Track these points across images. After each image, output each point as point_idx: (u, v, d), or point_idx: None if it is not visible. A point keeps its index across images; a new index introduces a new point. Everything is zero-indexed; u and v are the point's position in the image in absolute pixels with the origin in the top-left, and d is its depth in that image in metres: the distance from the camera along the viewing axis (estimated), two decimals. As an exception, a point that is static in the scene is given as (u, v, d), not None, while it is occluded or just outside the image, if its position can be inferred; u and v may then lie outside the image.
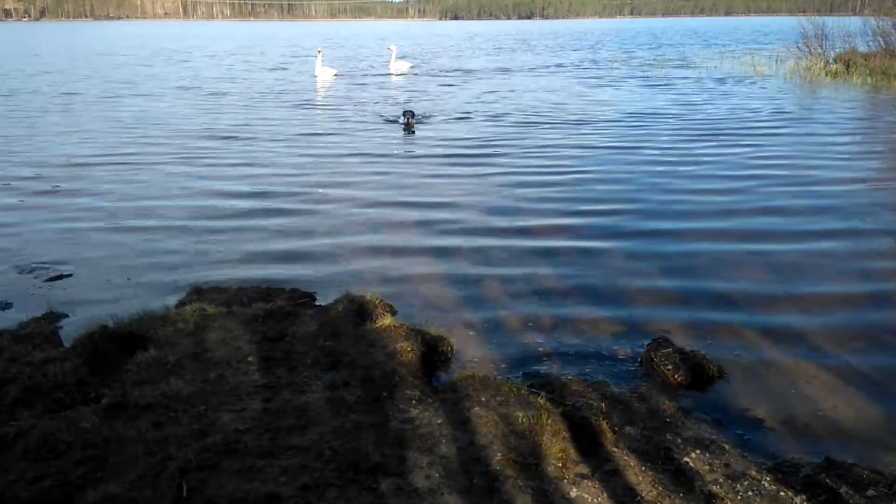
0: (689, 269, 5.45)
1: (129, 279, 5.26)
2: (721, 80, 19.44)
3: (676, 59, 28.03)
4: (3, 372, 3.65)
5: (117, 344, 3.91)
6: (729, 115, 13.17)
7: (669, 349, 3.93)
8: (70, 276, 5.33)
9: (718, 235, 6.23)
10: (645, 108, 14.25)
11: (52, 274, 5.34)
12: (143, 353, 3.81)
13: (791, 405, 3.55)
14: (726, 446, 3.12)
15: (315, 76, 21.46)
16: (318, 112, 14.38)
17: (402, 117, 12.02)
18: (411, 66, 24.92)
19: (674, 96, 16.11)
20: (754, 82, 18.85)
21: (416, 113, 12.18)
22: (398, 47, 26.97)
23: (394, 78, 21.76)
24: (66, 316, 4.57)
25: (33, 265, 5.52)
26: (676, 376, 3.76)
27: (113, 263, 5.58)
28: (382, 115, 13.33)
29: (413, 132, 11.63)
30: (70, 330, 4.30)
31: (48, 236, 6.28)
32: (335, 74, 21.82)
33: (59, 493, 2.71)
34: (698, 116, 13.04)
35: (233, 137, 11.13)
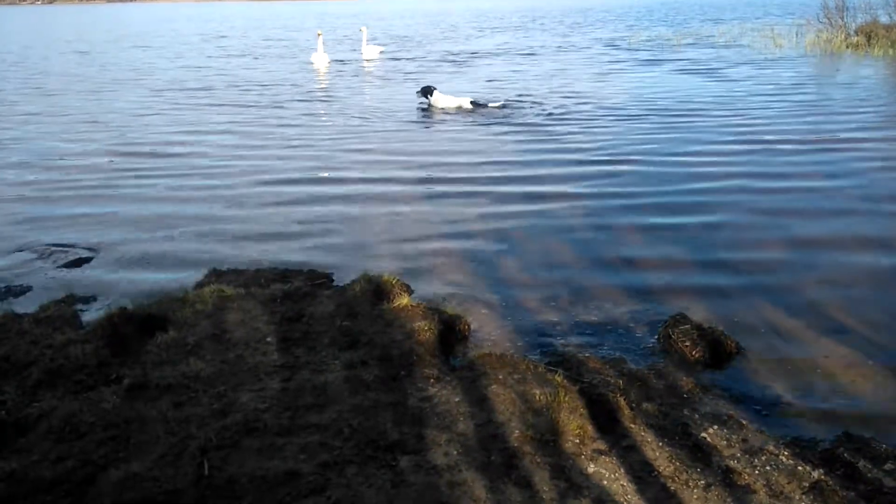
0: (708, 244, 5.39)
1: (150, 261, 5.31)
2: (763, 62, 17.25)
3: (706, 35, 26.52)
4: (26, 354, 3.70)
5: (137, 326, 3.95)
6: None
7: (687, 325, 3.91)
8: (90, 258, 5.38)
9: (738, 210, 6.15)
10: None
11: (72, 257, 5.40)
12: (163, 334, 3.84)
13: (810, 381, 3.52)
14: (744, 422, 3.10)
15: (311, 62, 20.09)
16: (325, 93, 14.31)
17: (419, 92, 11.96)
18: (381, 51, 22.55)
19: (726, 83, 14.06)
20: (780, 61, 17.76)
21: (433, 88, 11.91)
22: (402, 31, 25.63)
23: (367, 63, 20.29)
24: (87, 298, 4.63)
25: (53, 249, 5.58)
26: (694, 353, 3.74)
27: (132, 246, 5.63)
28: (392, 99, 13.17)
29: (430, 105, 11.66)
30: (90, 312, 4.36)
31: (69, 219, 6.35)
32: (328, 60, 20.19)
33: (81, 473, 2.75)
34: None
35: (237, 132, 10.96)
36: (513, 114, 11.15)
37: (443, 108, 11.41)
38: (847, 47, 19.25)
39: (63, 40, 33.61)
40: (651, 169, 7.54)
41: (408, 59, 21.22)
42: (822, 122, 9.91)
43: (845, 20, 21.15)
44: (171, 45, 28.81)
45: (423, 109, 11.69)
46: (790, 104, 11.35)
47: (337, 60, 20.53)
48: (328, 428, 3.01)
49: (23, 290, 4.83)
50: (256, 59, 22.23)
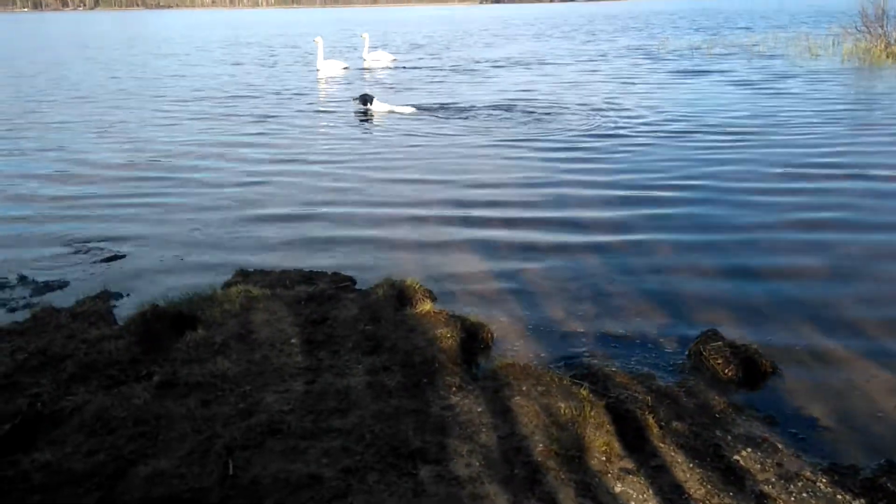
0: (741, 259, 5.28)
1: (181, 260, 5.41)
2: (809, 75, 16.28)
3: (740, 44, 25.86)
4: (62, 348, 3.79)
5: (168, 323, 4.02)
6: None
7: (720, 342, 3.82)
8: (124, 256, 5.49)
9: (773, 225, 6.02)
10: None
11: (108, 254, 5.52)
12: (192, 332, 3.90)
13: (849, 404, 3.41)
14: (779, 445, 3.01)
15: (317, 69, 19.75)
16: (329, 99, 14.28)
17: (358, 101, 12.26)
18: (394, 60, 22.02)
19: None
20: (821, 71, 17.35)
21: (373, 97, 12.26)
22: (425, 36, 24.93)
23: (376, 70, 19.95)
24: (121, 295, 4.72)
25: (90, 245, 5.71)
26: (727, 371, 3.65)
27: (165, 245, 5.74)
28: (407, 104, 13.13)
29: (370, 116, 11.85)
30: (124, 308, 4.44)
31: (106, 218, 6.50)
32: (345, 68, 19.91)
33: (112, 467, 2.80)
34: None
35: (266, 132, 11.05)
36: (545, 128, 10.63)
37: (382, 113, 12.06)
38: (888, 57, 18.67)
39: (93, 47, 34.41)
40: (694, 195, 6.98)
41: (428, 67, 20.98)
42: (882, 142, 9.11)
43: (885, 28, 20.56)
44: (195, 52, 29.19)
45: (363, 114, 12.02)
46: (847, 124, 10.39)
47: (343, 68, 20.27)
48: (350, 433, 3.01)
49: (61, 285, 4.94)
50: (271, 67, 22.08)
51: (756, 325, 4.24)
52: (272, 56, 26.32)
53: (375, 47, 23.96)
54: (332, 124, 11.45)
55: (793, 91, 13.90)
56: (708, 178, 7.52)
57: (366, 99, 12.18)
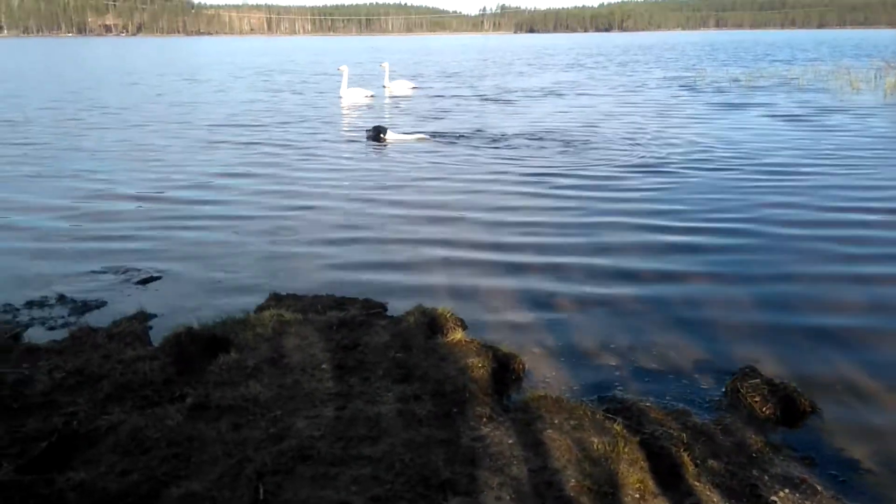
0: (780, 294, 5.19)
1: (216, 282, 5.49)
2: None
3: (779, 77, 25.71)
4: (98, 368, 3.85)
5: (201, 345, 4.07)
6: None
7: (757, 380, 3.75)
8: (160, 277, 5.59)
9: (812, 258, 5.92)
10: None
11: (144, 275, 5.62)
12: (225, 355, 3.93)
13: (891, 445, 3.31)
14: (819, 487, 2.93)
15: (340, 97, 19.98)
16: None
17: (371, 131, 12.32)
18: (413, 87, 22.79)
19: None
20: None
21: (386, 129, 12.34)
22: (482, 59, 25.62)
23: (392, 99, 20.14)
24: (155, 316, 4.79)
25: (127, 266, 5.82)
26: (765, 409, 3.58)
27: (200, 268, 5.83)
28: (441, 134, 13.23)
29: (385, 146, 11.89)
30: (158, 329, 4.50)
31: (142, 240, 6.64)
32: (369, 95, 20.10)
33: (146, 487, 2.81)
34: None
35: (299, 160, 11.15)
36: (580, 160, 10.37)
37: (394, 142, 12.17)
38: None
39: (132, 72, 35.10)
40: (735, 234, 6.69)
41: (459, 95, 21.14)
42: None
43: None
44: (230, 79, 29.67)
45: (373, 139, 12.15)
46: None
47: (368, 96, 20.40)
48: (380, 461, 3.00)
49: (98, 305, 5.04)
50: (300, 94, 22.35)
51: (794, 362, 4.15)
52: (303, 83, 26.81)
53: (396, 75, 24.83)
54: (360, 154, 11.55)
55: (839, 126, 13.58)
56: (751, 216, 7.23)
57: (379, 130, 12.30)
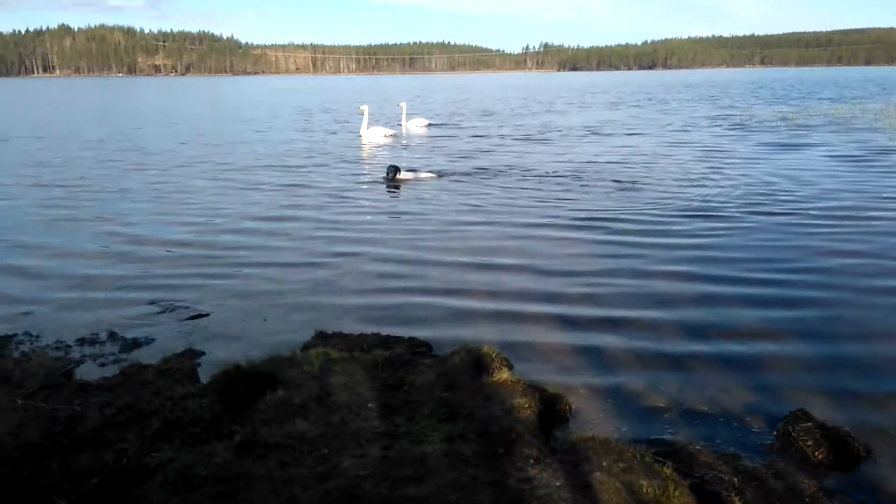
0: (831, 335, 5.06)
1: (263, 320, 5.58)
2: None
3: (827, 115, 24.56)
4: (148, 404, 3.94)
5: (248, 383, 4.12)
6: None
7: (809, 423, 3.65)
8: (208, 315, 5.71)
9: (864, 299, 5.75)
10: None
11: (192, 313, 5.75)
12: (272, 393, 3.99)
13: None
14: (877, 536, 2.81)
15: (360, 136, 20.21)
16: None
17: (388, 172, 12.33)
18: (428, 125, 23.69)
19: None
20: None
21: (399, 168, 12.33)
22: (518, 97, 26.05)
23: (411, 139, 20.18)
24: (203, 353, 4.89)
25: (176, 304, 5.97)
26: (817, 453, 3.48)
27: (247, 306, 5.93)
28: (481, 168, 13.18)
29: (397, 186, 11.89)
30: (206, 367, 4.59)
31: (190, 277, 6.79)
32: (389, 134, 20.35)
33: (194, 525, 2.85)
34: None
35: (344, 198, 11.18)
36: (630, 206, 9.80)
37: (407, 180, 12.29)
38: None
39: (178, 112, 36.07)
40: (800, 293, 6.14)
41: (500, 135, 20.93)
42: None
43: None
44: (269, 118, 30.08)
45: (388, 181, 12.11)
46: None
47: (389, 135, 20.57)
48: (426, 501, 2.99)
49: (147, 342, 5.17)
50: (334, 133, 22.52)
51: (847, 406, 4.04)
52: (339, 122, 27.15)
53: (415, 114, 26.12)
54: (401, 196, 11.42)
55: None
56: (814, 266, 6.78)
57: (393, 170, 12.35)
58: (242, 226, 9.22)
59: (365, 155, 17.10)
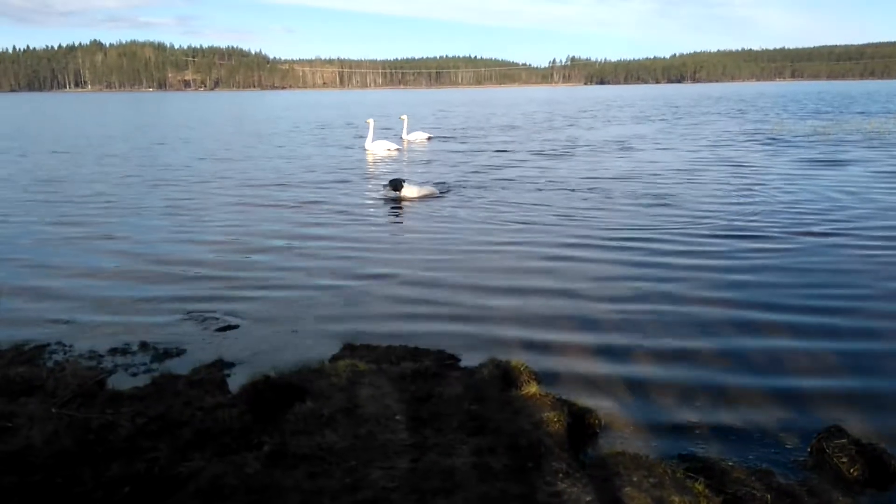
0: (865, 349, 4.95)
1: (292, 332, 5.62)
2: None
3: (861, 130, 23.70)
4: (179, 414, 3.99)
5: (278, 393, 4.16)
6: None
7: (844, 440, 3.58)
8: (237, 326, 5.78)
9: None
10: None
11: (222, 324, 5.82)
12: (301, 404, 4.02)
13: None
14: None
15: (365, 149, 20.65)
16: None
17: (388, 185, 11.91)
18: (429, 137, 24.22)
19: None
20: None
21: (403, 182, 11.87)
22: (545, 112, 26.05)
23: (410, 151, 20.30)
24: (233, 364, 4.94)
25: (206, 315, 6.06)
26: (852, 470, 3.41)
27: (276, 317, 5.99)
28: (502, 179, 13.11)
29: (400, 197, 11.68)
30: (236, 377, 4.64)
31: (220, 289, 6.88)
32: (394, 148, 20.64)
33: (225, 534, 2.88)
34: None
35: (367, 215, 11.25)
36: (663, 225, 9.36)
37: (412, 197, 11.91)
38: None
39: (192, 126, 36.23)
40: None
41: (526, 150, 20.65)
42: None
43: None
44: (289, 132, 30.16)
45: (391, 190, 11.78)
46: None
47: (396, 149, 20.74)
48: (455, 515, 2.98)
49: (178, 352, 5.24)
50: (349, 147, 22.57)
51: (883, 421, 3.96)
52: (358, 137, 26.94)
53: (417, 128, 26.70)
54: (419, 212, 11.22)
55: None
56: (865, 293, 6.32)
57: (396, 184, 11.92)
58: (269, 244, 9.04)
59: (369, 167, 17.17)
